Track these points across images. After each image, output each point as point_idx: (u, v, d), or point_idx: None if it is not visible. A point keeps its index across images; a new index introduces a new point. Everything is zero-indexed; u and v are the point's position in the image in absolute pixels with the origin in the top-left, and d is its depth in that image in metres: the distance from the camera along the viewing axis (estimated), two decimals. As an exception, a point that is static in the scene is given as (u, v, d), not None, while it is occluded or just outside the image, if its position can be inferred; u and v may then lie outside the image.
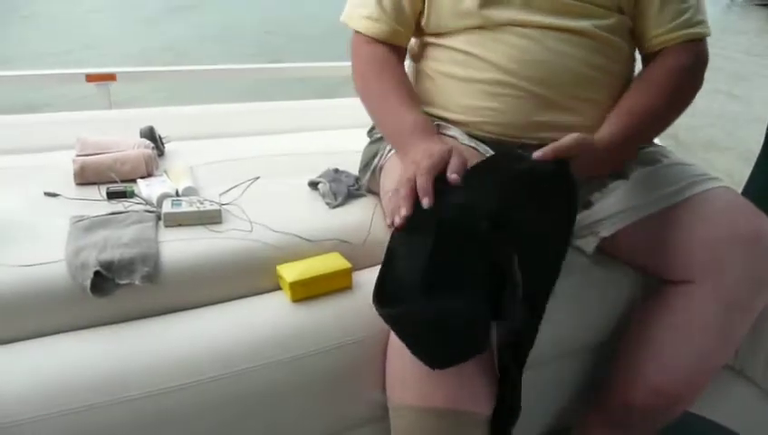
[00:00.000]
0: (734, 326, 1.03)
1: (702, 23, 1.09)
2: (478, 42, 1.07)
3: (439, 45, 1.13)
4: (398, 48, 1.15)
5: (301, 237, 1.02)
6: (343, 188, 1.17)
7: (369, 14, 1.12)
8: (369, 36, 1.13)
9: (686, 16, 1.07)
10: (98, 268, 0.88)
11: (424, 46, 1.17)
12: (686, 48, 1.09)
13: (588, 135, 0.97)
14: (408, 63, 1.21)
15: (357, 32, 1.15)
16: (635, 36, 1.12)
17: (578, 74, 1.05)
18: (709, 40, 1.11)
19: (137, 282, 0.89)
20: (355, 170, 1.24)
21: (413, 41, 1.20)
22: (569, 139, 0.93)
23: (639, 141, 1.10)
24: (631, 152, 1.09)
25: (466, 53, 1.08)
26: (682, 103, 1.10)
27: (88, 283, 0.87)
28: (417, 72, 1.20)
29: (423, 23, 1.13)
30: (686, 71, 1.08)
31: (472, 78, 1.07)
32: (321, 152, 1.42)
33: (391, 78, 1.11)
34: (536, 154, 0.91)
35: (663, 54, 1.09)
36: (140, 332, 0.89)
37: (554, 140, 1.00)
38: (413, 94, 1.12)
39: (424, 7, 1.11)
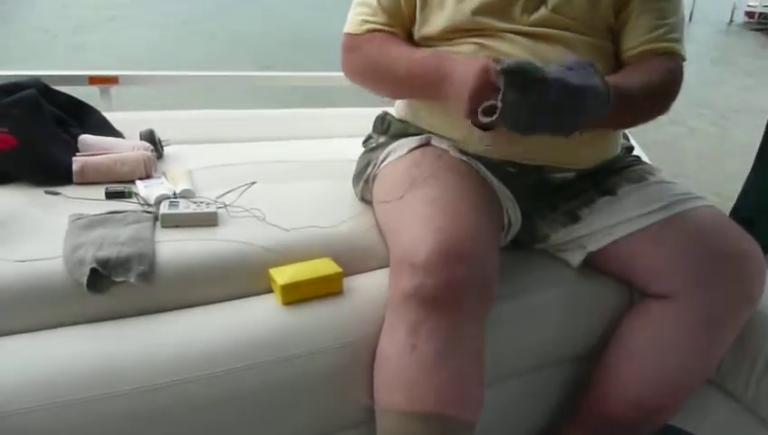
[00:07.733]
0: (716, 343, 1.05)
1: (677, 40, 1.10)
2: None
3: None
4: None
5: (294, 242, 1.04)
6: None
7: (368, 15, 1.13)
8: (365, 33, 1.13)
9: (659, 31, 1.08)
10: (94, 265, 0.90)
11: None
12: (658, 59, 1.08)
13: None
14: None
15: (349, 33, 1.16)
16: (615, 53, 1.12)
17: None
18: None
19: (132, 280, 0.91)
20: (350, 180, 1.26)
21: None
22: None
23: (625, 104, 0.98)
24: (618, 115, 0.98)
25: None
26: (653, 101, 1.07)
27: (84, 279, 0.89)
28: None
29: (415, 31, 1.14)
30: (657, 74, 1.06)
31: None
32: (318, 160, 1.44)
33: (399, 44, 1.11)
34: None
35: (637, 59, 1.10)
36: (134, 329, 0.91)
37: (538, 159, 1.05)
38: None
39: (416, 13, 1.13)
